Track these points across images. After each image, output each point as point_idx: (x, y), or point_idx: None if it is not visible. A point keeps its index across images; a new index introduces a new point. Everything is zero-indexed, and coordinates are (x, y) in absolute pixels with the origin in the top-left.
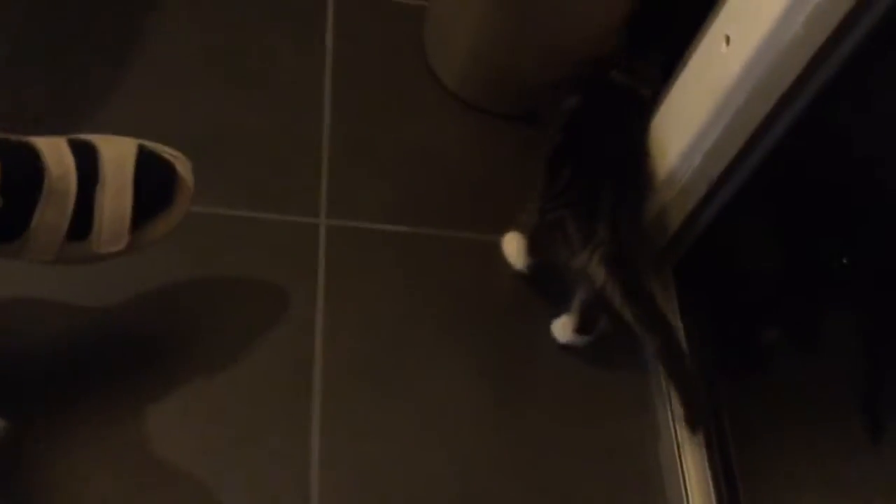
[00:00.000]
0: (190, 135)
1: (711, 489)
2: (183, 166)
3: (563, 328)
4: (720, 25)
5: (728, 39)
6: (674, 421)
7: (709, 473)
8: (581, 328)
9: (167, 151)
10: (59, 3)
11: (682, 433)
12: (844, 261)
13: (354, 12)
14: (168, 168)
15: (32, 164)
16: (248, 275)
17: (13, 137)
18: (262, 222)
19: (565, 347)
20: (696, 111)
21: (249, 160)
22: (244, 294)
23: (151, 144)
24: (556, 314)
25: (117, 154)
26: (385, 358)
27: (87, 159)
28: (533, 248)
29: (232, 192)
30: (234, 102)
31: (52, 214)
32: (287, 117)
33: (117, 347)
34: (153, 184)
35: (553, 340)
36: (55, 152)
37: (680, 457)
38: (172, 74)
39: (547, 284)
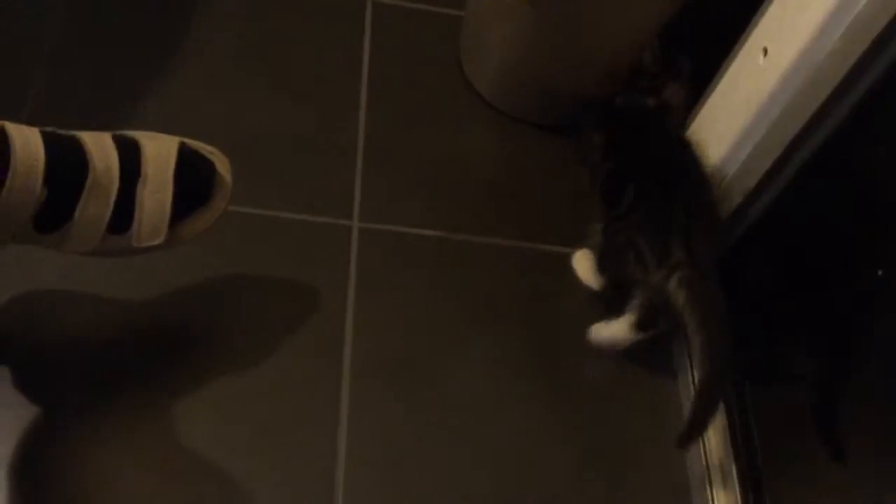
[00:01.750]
0: (228, 135)
1: (738, 494)
2: (222, 165)
3: (619, 328)
4: (758, 38)
5: (766, 51)
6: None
7: (736, 479)
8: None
9: (208, 150)
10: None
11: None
12: (880, 273)
13: (391, 21)
14: (208, 166)
15: (77, 158)
16: (281, 274)
17: (60, 131)
18: (296, 223)
19: (595, 348)
20: (732, 123)
21: (285, 162)
22: (276, 292)
23: (193, 142)
24: (582, 314)
25: (159, 151)
26: (414, 358)
27: (130, 155)
28: (601, 266)
29: (267, 193)
30: (273, 106)
31: (94, 207)
32: (324, 122)
33: (151, 341)
34: (193, 181)
35: (582, 341)
36: (100, 147)
37: (706, 456)
38: (214, 77)
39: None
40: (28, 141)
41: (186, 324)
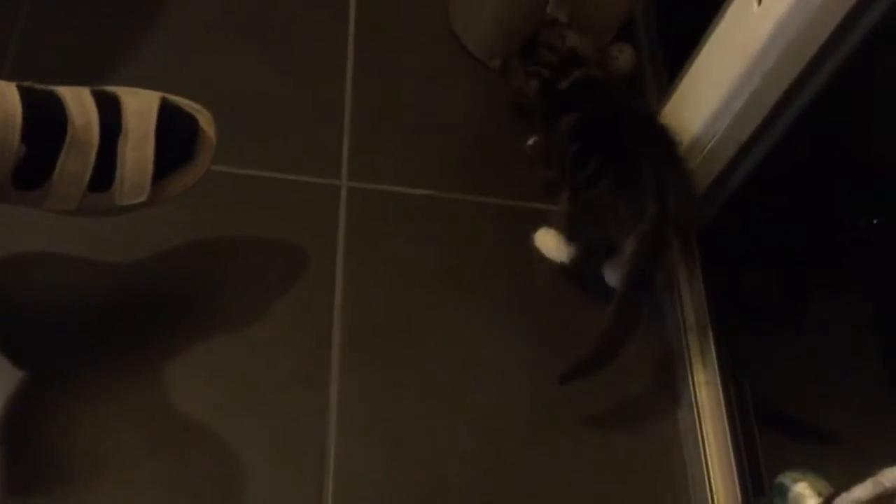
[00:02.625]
0: (212, 94)
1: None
2: (206, 121)
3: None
4: None
5: (759, 0)
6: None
7: (733, 460)
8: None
9: (191, 105)
10: None
11: (703, 403)
12: (875, 221)
13: None
14: (191, 122)
15: (56, 113)
16: (269, 234)
17: (38, 86)
18: (284, 183)
19: (591, 311)
20: (726, 73)
21: (272, 121)
22: (265, 253)
23: (175, 98)
24: (574, 277)
25: (140, 106)
26: (404, 318)
27: (110, 110)
28: (573, 234)
29: (254, 152)
30: (258, 64)
31: (75, 164)
32: (310, 80)
33: (139, 303)
34: (176, 137)
35: (576, 301)
36: (79, 102)
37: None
38: (196, 34)
39: None
40: (4, 96)
41: (174, 285)
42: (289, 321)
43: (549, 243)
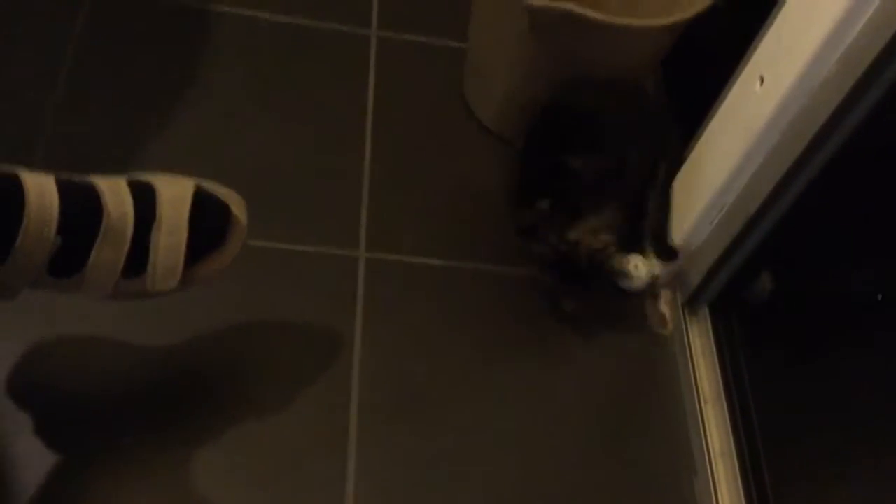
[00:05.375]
0: (235, 168)
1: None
2: (238, 206)
3: None
4: (755, 66)
5: (762, 80)
6: (709, 455)
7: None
8: None
9: (223, 191)
10: (110, 40)
11: (718, 468)
12: (879, 297)
13: (395, 54)
14: (223, 208)
15: (92, 205)
16: (289, 307)
17: (76, 178)
18: (303, 255)
19: (608, 382)
20: (731, 150)
21: (292, 194)
22: (285, 327)
23: (208, 184)
24: (593, 338)
25: (175, 194)
26: (423, 389)
27: (145, 200)
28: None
29: (274, 225)
30: (279, 139)
31: (109, 253)
32: (329, 153)
33: (164, 383)
34: (208, 224)
35: (592, 369)
36: (115, 193)
37: (714, 488)
38: (222, 116)
39: (581, 313)
40: (43, 190)
41: (196, 364)
42: (308, 393)
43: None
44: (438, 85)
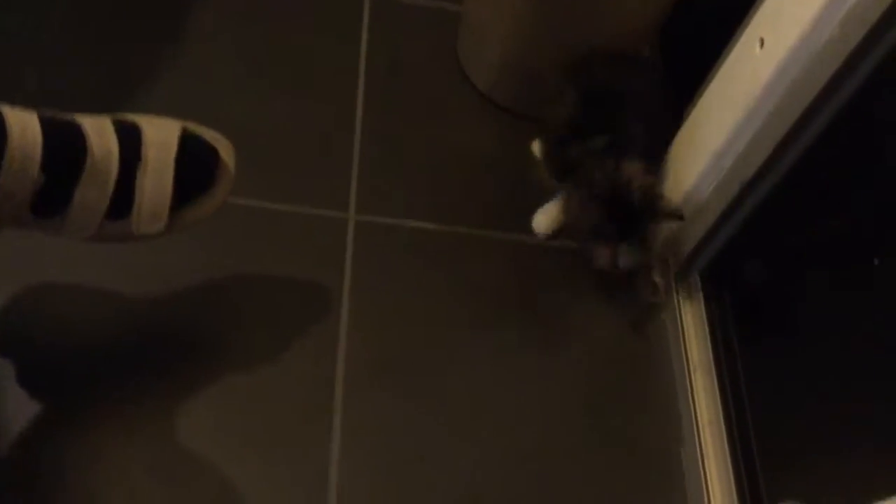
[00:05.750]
0: (226, 128)
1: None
2: (226, 151)
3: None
4: (755, 29)
5: (762, 42)
6: (697, 424)
7: (731, 473)
8: None
9: (211, 135)
10: None
11: (706, 437)
12: (876, 262)
13: (389, 16)
14: (211, 152)
15: (76, 143)
16: (278, 266)
17: (59, 116)
18: (292, 215)
19: (597, 350)
20: (729, 114)
21: (283, 154)
22: (273, 286)
23: (196, 127)
24: (582, 305)
25: (161, 136)
26: (409, 353)
27: (130, 140)
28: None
29: (265, 185)
30: (270, 98)
31: (93, 193)
32: (321, 115)
33: (150, 335)
34: (195, 167)
35: (581, 338)
36: (99, 132)
37: (702, 457)
38: (212, 73)
39: (572, 281)
40: (26, 126)
41: (182, 316)
42: (294, 353)
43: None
44: (433, 48)
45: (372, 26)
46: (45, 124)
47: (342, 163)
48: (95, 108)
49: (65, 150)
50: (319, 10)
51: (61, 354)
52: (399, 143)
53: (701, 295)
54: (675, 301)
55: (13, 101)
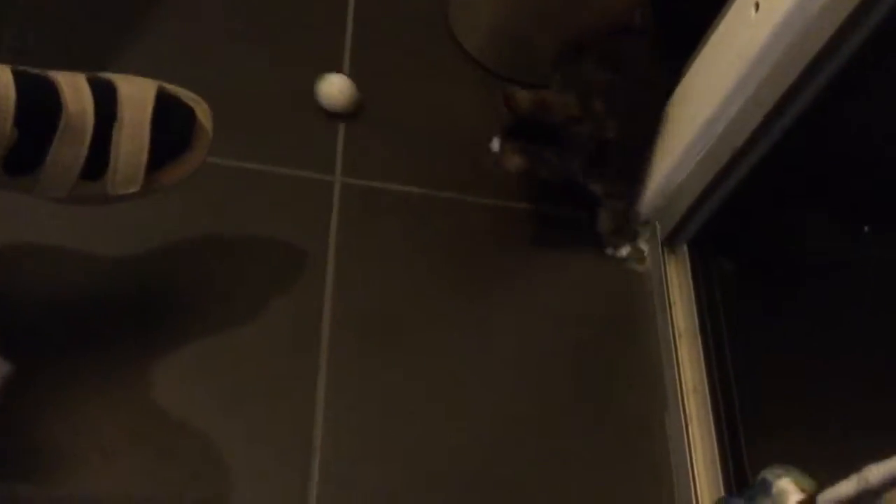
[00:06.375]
0: (207, 86)
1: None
2: (203, 112)
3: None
4: None
5: (757, 6)
6: (682, 391)
7: (715, 440)
8: None
9: (189, 96)
10: None
11: (691, 410)
12: (866, 229)
13: None
14: (188, 112)
15: (50, 99)
16: (261, 229)
17: (33, 70)
18: (277, 177)
19: (582, 317)
20: (723, 78)
21: (266, 115)
22: (256, 248)
23: (172, 87)
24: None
25: (137, 94)
26: (395, 317)
27: (105, 98)
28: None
29: (247, 146)
30: (256, 61)
31: (67, 151)
32: (306, 74)
33: (126, 296)
34: (171, 127)
35: (566, 303)
36: (74, 88)
37: (686, 423)
38: (196, 32)
39: (557, 247)
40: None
41: (163, 278)
42: (277, 316)
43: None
44: (423, 9)
45: None
46: (19, 79)
47: (329, 126)
48: (70, 67)
49: (39, 105)
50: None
51: (35, 315)
52: (387, 106)
53: (688, 262)
54: (662, 268)
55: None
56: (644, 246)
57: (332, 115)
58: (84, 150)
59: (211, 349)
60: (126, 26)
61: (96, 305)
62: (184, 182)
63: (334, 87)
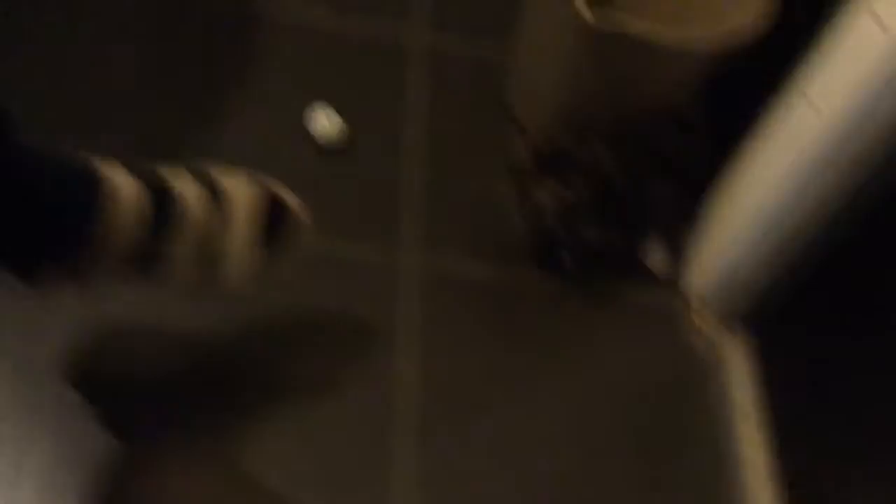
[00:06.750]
0: (295, 178)
1: None
2: (299, 207)
3: None
4: (800, 87)
5: (808, 100)
6: (742, 469)
7: None
8: None
9: (285, 192)
10: (173, 34)
11: (750, 480)
12: None
13: (445, 67)
14: (286, 207)
15: (172, 200)
16: (340, 310)
17: (156, 171)
18: (353, 260)
19: (642, 394)
20: (777, 167)
21: (341, 200)
22: (334, 329)
23: (271, 182)
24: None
25: (242, 194)
26: (472, 400)
27: (215, 194)
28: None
29: (327, 229)
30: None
31: (186, 245)
32: (374, 165)
33: (216, 370)
34: (272, 217)
35: (630, 381)
36: (192, 190)
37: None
38: (278, 116)
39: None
40: (128, 185)
41: (251, 355)
42: (358, 398)
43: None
44: (486, 97)
45: (429, 75)
46: (145, 181)
47: (399, 209)
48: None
49: (161, 207)
50: (366, 59)
51: (125, 388)
52: (453, 189)
53: (747, 343)
54: (721, 347)
55: (97, 152)
56: (702, 324)
57: (406, 196)
58: (199, 243)
59: (296, 428)
60: (212, 117)
61: (186, 379)
62: (283, 266)
63: None
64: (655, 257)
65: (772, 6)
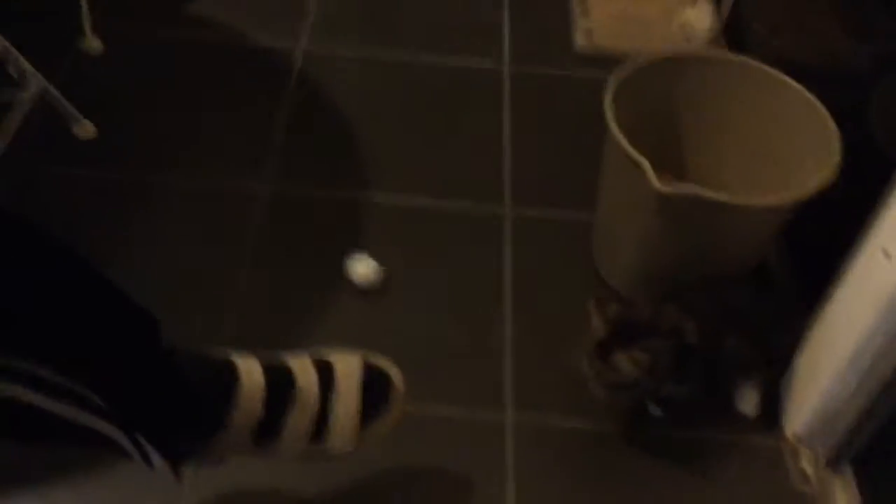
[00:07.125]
0: (390, 347)
1: None
2: (396, 376)
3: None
4: (878, 240)
5: (886, 253)
6: None
7: None
8: None
9: (384, 363)
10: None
11: None
12: None
13: (530, 230)
14: (385, 378)
15: (287, 381)
16: (439, 470)
17: (273, 357)
18: (451, 420)
19: None
20: (862, 317)
21: (436, 360)
22: (435, 489)
23: (372, 357)
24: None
25: (348, 368)
26: None
27: (325, 374)
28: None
29: (425, 392)
30: (431, 319)
31: (301, 422)
32: (469, 327)
33: None
34: (374, 392)
35: None
36: (304, 371)
37: None
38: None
39: (722, 472)
40: (252, 371)
41: None
42: None
43: None
44: (572, 256)
45: (514, 240)
46: (265, 367)
47: (496, 366)
48: (280, 346)
49: (280, 387)
50: (463, 230)
51: None
52: (549, 348)
53: (854, 484)
54: (827, 487)
55: (214, 343)
56: (808, 468)
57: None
58: (312, 419)
59: None
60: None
61: None
62: (386, 437)
63: None
64: (748, 402)
65: (839, 161)
